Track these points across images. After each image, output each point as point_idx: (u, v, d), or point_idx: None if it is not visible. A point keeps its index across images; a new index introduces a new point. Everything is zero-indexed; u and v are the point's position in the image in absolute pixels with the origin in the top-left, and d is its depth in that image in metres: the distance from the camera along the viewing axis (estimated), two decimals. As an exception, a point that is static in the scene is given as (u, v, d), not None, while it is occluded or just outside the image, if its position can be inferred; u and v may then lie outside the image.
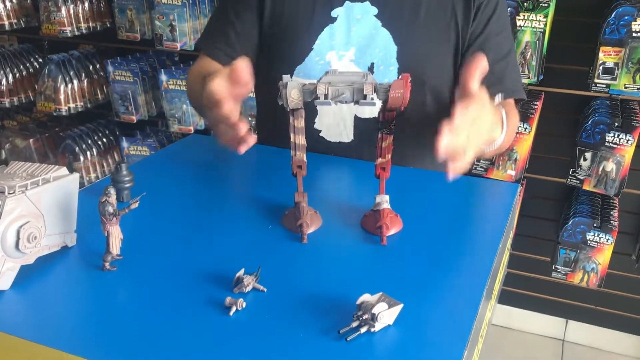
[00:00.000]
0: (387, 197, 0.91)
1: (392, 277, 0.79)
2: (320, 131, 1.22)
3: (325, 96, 0.84)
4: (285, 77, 0.85)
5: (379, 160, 0.92)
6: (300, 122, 0.86)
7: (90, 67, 2.64)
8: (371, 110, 1.18)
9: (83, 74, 2.59)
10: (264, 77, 1.24)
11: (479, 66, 0.81)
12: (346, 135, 1.21)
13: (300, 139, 0.87)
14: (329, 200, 0.99)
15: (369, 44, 1.17)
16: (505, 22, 1.24)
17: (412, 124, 1.19)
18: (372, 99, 0.83)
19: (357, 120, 1.19)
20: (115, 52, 2.68)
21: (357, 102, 0.84)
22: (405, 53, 1.17)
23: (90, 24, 2.52)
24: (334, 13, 1.18)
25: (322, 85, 0.84)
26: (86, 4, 2.49)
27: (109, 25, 2.56)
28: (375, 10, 1.17)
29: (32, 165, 0.81)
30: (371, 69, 1.18)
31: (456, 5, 1.18)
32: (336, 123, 1.20)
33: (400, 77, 0.83)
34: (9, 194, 0.72)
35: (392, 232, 0.88)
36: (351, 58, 1.18)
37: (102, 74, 2.65)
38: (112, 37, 2.54)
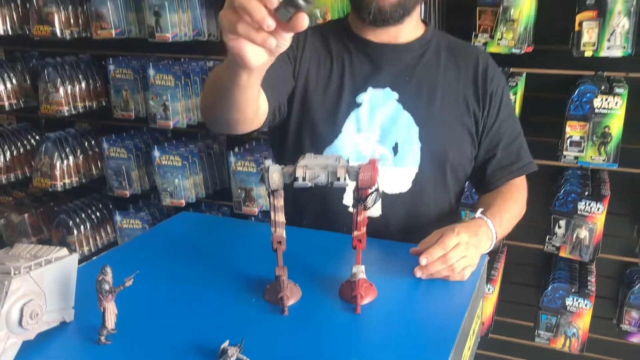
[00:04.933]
0: (362, 268, 0.99)
1: (364, 345, 0.86)
2: (348, 207, 1.29)
3: (304, 178, 0.93)
4: (267, 162, 0.94)
5: (355, 232, 1.00)
6: (279, 202, 0.95)
7: (86, 144, 2.73)
8: (398, 187, 1.27)
9: (79, 151, 2.67)
10: (290, 157, 1.20)
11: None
12: (375, 210, 1.28)
13: (280, 217, 0.95)
14: (308, 272, 1.06)
15: (392, 125, 1.27)
16: (510, 103, 1.37)
17: (434, 198, 1.30)
18: (344, 180, 0.92)
19: (384, 196, 1.27)
20: (110, 130, 2.78)
21: (331, 184, 0.92)
22: (426, 133, 1.26)
23: (87, 103, 2.64)
24: (358, 99, 1.28)
25: (300, 168, 0.93)
26: (83, 84, 2.61)
27: (104, 104, 2.68)
28: (396, 95, 1.28)
29: (35, 246, 0.88)
30: (395, 148, 1.27)
31: (467, 94, 1.30)
32: None
33: (368, 161, 0.93)
34: (14, 274, 0.79)
35: (367, 300, 0.95)
36: (376, 139, 1.27)
37: (97, 150, 2.74)
38: (107, 115, 2.64)
